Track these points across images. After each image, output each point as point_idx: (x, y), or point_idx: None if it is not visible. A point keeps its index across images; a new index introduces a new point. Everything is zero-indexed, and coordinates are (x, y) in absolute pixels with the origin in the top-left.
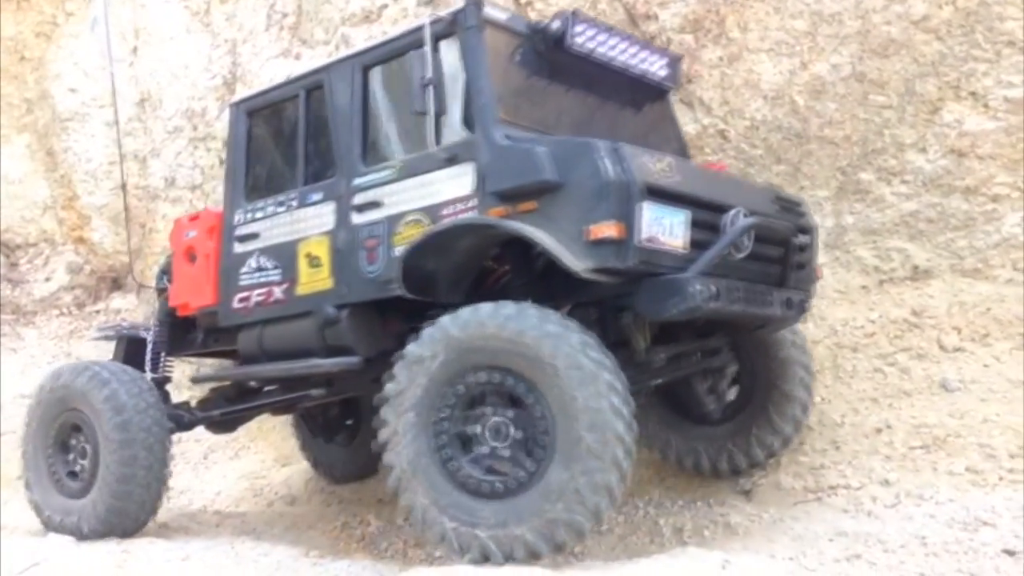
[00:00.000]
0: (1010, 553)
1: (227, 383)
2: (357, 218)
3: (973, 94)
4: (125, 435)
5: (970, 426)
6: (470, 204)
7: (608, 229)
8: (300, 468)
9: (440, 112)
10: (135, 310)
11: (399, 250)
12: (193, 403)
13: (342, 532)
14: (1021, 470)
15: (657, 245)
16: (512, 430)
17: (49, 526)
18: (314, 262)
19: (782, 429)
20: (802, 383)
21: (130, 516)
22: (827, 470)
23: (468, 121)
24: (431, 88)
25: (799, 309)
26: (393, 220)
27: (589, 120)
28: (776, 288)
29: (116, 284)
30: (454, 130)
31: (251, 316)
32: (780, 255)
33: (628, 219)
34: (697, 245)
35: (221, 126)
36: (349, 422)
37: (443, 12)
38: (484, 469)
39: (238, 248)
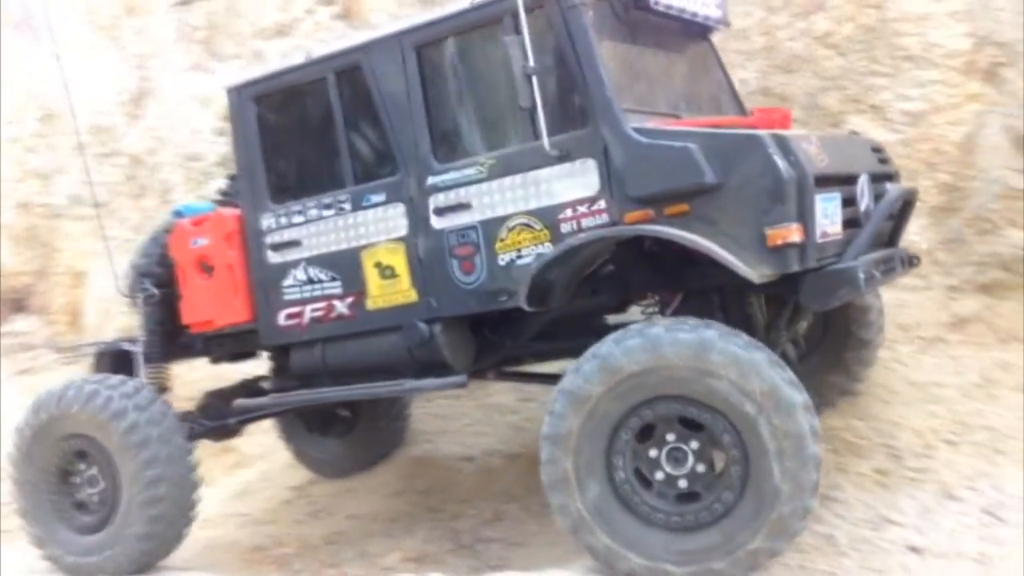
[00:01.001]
0: (915, 551)
1: (224, 387)
2: (439, 222)
3: (873, 107)
4: (145, 453)
5: (876, 428)
6: (598, 206)
7: (790, 233)
8: (213, 491)
9: (544, 104)
10: (36, 332)
11: (505, 258)
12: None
13: (255, 554)
14: (925, 470)
15: (827, 238)
16: (695, 460)
17: (60, 565)
18: (386, 272)
19: (857, 373)
20: (877, 327)
21: (164, 540)
22: None
23: (580, 112)
24: (534, 78)
25: (913, 264)
26: (491, 225)
27: (671, 86)
28: (891, 247)
29: (18, 306)
30: (557, 122)
31: (307, 334)
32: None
33: (806, 218)
34: (846, 223)
35: (128, 142)
36: (346, 414)
37: None
38: (670, 502)
39: (274, 258)
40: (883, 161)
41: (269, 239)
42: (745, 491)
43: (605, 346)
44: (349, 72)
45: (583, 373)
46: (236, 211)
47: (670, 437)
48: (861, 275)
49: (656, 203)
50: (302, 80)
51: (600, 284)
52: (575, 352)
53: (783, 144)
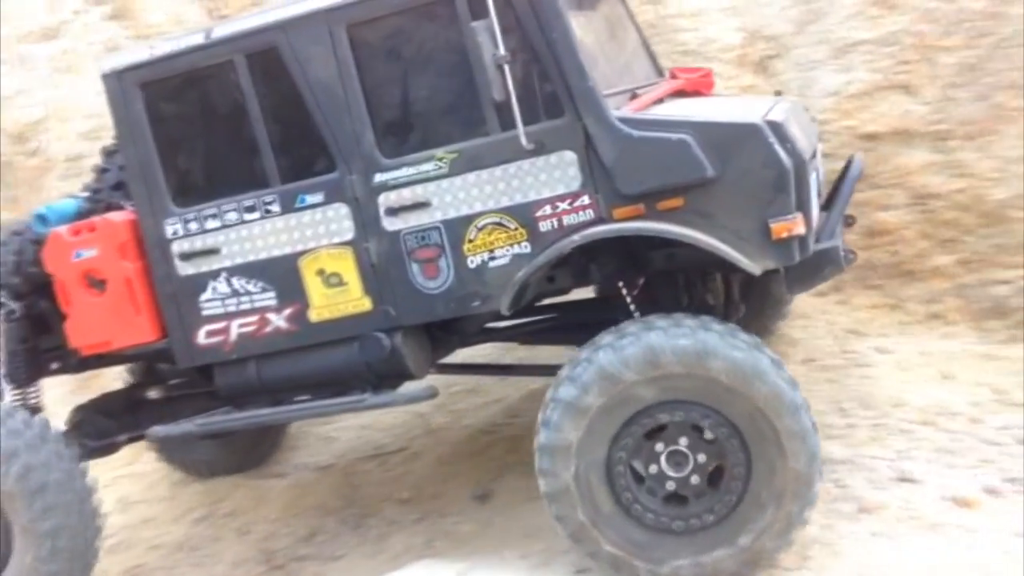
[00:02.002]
0: None
1: (96, 398)
2: (392, 223)
3: None
4: (28, 485)
5: None
6: (581, 202)
7: (795, 225)
8: None
9: (515, 94)
10: None
11: (476, 260)
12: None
13: None
14: None
15: (816, 223)
16: (697, 461)
17: None
18: (332, 280)
19: (772, 327)
20: None
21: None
22: None
23: (553, 100)
24: (506, 67)
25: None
26: (456, 224)
27: (614, 58)
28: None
29: None
30: (527, 111)
31: (236, 352)
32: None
33: (804, 207)
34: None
35: None
36: None
37: None
38: (671, 505)
39: (186, 268)
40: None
41: (177, 248)
42: (748, 491)
43: (602, 353)
44: (263, 54)
45: (580, 383)
46: (126, 215)
47: (666, 440)
48: (842, 254)
49: (649, 198)
50: (202, 63)
51: (557, 270)
52: (525, 336)
53: (780, 132)
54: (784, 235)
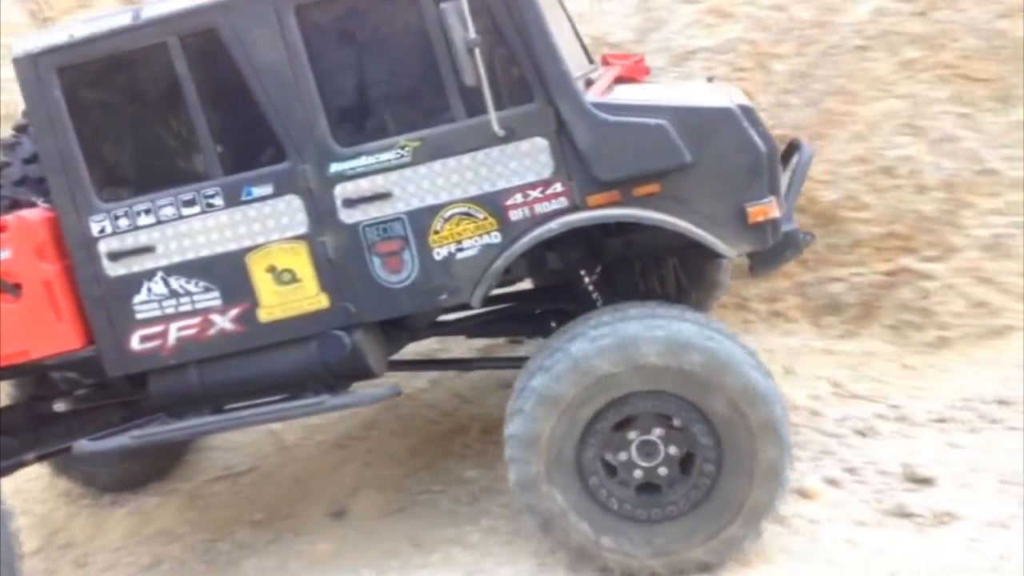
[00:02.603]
0: None
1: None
2: (350, 216)
3: None
4: None
5: None
6: (553, 189)
7: (771, 209)
8: None
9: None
10: None
11: (442, 252)
12: None
13: None
14: None
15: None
16: (667, 450)
17: None
18: (284, 277)
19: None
20: (726, 269)
21: None
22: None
23: (522, 85)
24: (477, 51)
25: None
26: (420, 215)
27: (564, 41)
28: None
29: None
30: (496, 97)
31: (175, 357)
32: None
33: (776, 191)
34: None
35: None
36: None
37: None
38: (642, 494)
39: (116, 269)
40: None
41: (105, 246)
42: (719, 480)
43: (577, 344)
44: (200, 36)
45: (554, 374)
46: (41, 212)
47: (638, 429)
48: (800, 237)
49: (624, 184)
50: (131, 46)
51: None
52: (473, 328)
53: (752, 117)
54: (760, 219)
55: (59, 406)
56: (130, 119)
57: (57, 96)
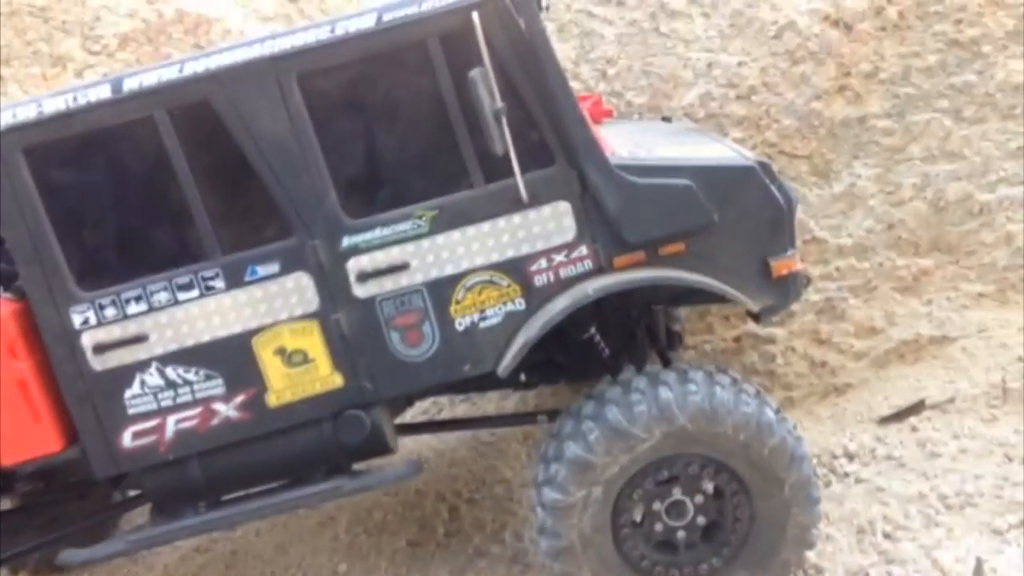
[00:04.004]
0: None
1: None
2: (364, 290)
3: None
4: None
5: (404, 500)
6: (578, 253)
7: (795, 263)
8: None
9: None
10: None
11: (464, 322)
12: None
13: None
14: (456, 532)
15: None
16: (699, 514)
17: None
18: (294, 359)
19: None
20: (682, 321)
21: None
22: None
23: (542, 149)
24: (503, 117)
25: None
26: (440, 286)
27: None
28: None
29: None
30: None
31: (175, 451)
32: None
33: (795, 243)
34: None
35: None
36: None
37: None
38: (671, 553)
39: (103, 362)
40: None
41: (89, 339)
42: (750, 537)
43: (612, 411)
44: (191, 109)
45: (588, 443)
46: (9, 304)
47: (675, 492)
48: (800, 281)
49: (650, 245)
50: (110, 121)
51: None
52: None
53: (770, 172)
54: (784, 272)
55: (5, 504)
56: (112, 199)
57: (25, 178)
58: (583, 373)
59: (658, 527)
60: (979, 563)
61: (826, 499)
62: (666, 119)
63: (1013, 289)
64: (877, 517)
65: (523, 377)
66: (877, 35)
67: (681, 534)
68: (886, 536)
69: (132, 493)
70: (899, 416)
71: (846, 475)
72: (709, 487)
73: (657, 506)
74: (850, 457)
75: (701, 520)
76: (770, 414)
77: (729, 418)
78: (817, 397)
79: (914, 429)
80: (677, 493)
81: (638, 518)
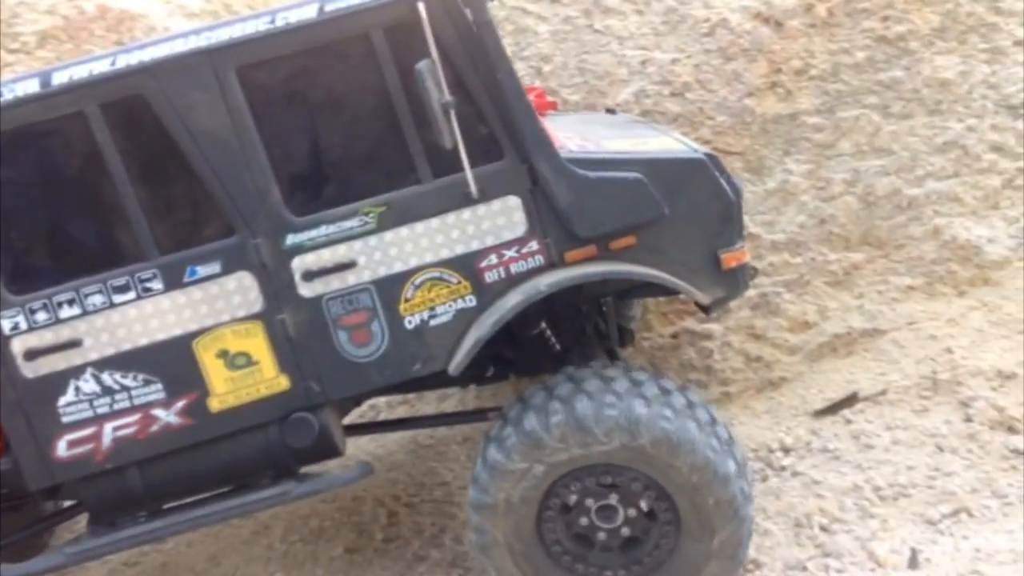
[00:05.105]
0: None
1: None
2: (310, 289)
3: None
4: None
5: (341, 507)
6: (529, 248)
7: (744, 255)
8: None
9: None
10: None
11: (414, 320)
12: None
13: None
14: (395, 538)
15: None
16: (624, 526)
17: None
18: (237, 362)
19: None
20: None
21: None
22: None
23: (490, 143)
24: (452, 111)
25: None
26: (389, 284)
27: None
28: None
29: None
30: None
31: (112, 460)
32: None
33: (743, 235)
34: None
35: None
36: None
37: None
38: (589, 553)
39: (34, 369)
40: None
41: (19, 345)
42: (662, 568)
43: (528, 420)
44: (125, 103)
45: (549, 423)
46: None
47: (612, 498)
48: (748, 273)
49: (602, 239)
50: (39, 117)
51: None
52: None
53: (719, 165)
54: (733, 264)
55: None
56: (42, 199)
57: None
58: (531, 369)
59: (583, 520)
60: (914, 553)
61: (763, 493)
62: (610, 111)
63: (941, 282)
64: (814, 510)
65: (491, 371)
66: (807, 32)
67: (601, 535)
68: (823, 529)
69: (66, 504)
70: (833, 409)
71: (782, 469)
72: (644, 506)
73: (590, 502)
74: (786, 451)
75: (625, 532)
76: (731, 466)
77: (690, 456)
78: (753, 391)
79: (848, 422)
80: (613, 499)
81: (568, 504)
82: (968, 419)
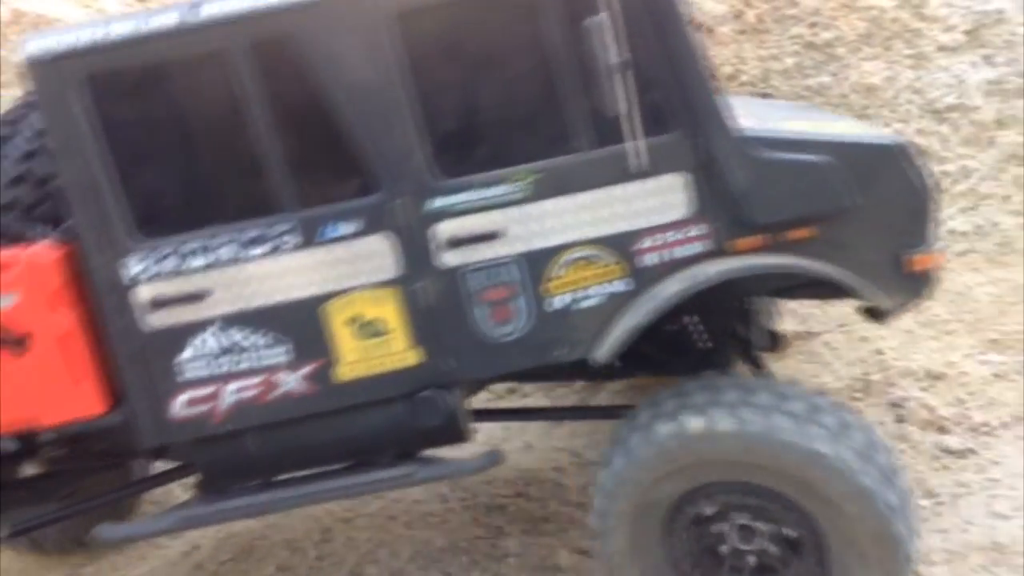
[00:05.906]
0: None
1: None
2: (452, 258)
3: None
4: None
5: (274, 526)
6: (693, 232)
7: (934, 259)
8: None
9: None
10: None
11: (559, 301)
12: None
13: None
14: (329, 554)
15: None
16: (758, 555)
17: None
18: (368, 330)
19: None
20: None
21: None
22: None
23: (661, 114)
24: (625, 75)
25: None
26: (536, 258)
27: None
28: None
29: None
30: (629, 127)
31: (230, 423)
32: None
33: (937, 236)
34: None
35: None
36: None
37: None
38: (713, 571)
39: (157, 319)
40: None
41: (143, 293)
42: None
43: (660, 426)
44: (274, 44)
45: (634, 458)
46: (53, 249)
47: (758, 522)
48: (934, 279)
49: (776, 228)
50: (181, 52)
51: None
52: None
53: (915, 154)
54: (921, 268)
55: (28, 469)
56: (179, 140)
57: (84, 109)
58: (664, 368)
59: (714, 529)
60: None
61: None
62: (765, 95)
63: None
64: None
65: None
66: (737, 38)
67: (726, 549)
68: None
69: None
70: None
71: None
72: (790, 535)
73: (732, 516)
74: None
75: (752, 560)
76: (846, 452)
77: (861, 500)
78: None
79: None
80: (760, 523)
81: (706, 514)
82: (900, 420)
